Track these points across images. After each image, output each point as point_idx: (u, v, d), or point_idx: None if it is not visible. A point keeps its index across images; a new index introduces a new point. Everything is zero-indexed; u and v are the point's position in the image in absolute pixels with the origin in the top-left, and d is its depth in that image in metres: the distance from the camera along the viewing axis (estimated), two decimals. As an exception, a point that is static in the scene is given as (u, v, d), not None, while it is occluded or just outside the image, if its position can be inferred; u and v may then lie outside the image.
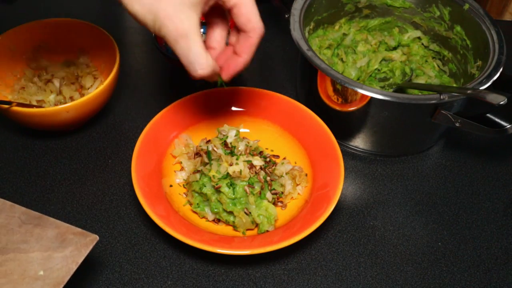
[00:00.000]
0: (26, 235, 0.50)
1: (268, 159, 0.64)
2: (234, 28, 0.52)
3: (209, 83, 0.57)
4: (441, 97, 0.60)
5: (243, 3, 0.47)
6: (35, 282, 0.46)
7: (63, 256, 0.48)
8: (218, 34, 0.53)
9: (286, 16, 0.71)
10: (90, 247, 0.49)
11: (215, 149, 0.62)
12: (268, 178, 0.61)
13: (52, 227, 0.50)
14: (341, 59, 0.79)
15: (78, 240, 0.50)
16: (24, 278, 0.46)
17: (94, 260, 0.58)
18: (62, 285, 0.46)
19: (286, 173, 0.63)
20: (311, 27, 0.76)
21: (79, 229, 0.50)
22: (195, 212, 0.61)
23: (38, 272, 0.47)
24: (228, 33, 0.54)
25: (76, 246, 0.49)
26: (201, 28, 0.48)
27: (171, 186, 0.63)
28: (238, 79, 0.55)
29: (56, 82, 0.72)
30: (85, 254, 0.49)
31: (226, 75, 0.52)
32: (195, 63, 0.47)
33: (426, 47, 0.80)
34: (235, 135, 0.63)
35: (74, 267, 0.48)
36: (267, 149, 0.68)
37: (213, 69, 0.48)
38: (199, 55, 0.46)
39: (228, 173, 0.59)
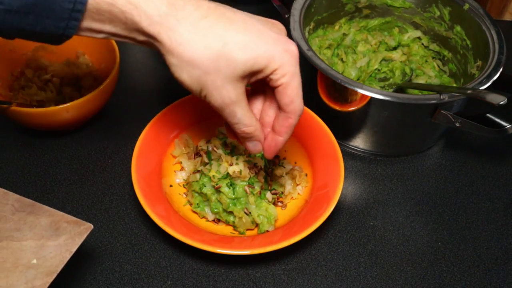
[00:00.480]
0: (19, 223, 0.49)
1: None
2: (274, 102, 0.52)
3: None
4: (441, 97, 0.60)
5: (290, 85, 0.47)
6: (28, 270, 0.46)
7: (56, 244, 0.48)
8: (259, 103, 0.53)
9: (286, 16, 0.71)
10: (84, 236, 0.49)
11: (215, 149, 0.61)
12: (268, 178, 0.61)
13: (46, 215, 0.50)
14: (341, 59, 0.79)
15: (72, 228, 0.49)
16: (17, 267, 0.46)
17: (94, 259, 0.58)
18: (56, 274, 0.46)
19: (286, 173, 0.63)
20: (311, 27, 0.76)
21: (73, 218, 0.50)
22: (195, 212, 0.61)
23: (31, 260, 0.47)
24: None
25: (70, 234, 0.49)
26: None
27: (171, 186, 0.63)
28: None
29: (56, 82, 0.72)
30: (79, 243, 0.48)
31: (269, 155, 0.53)
32: (240, 123, 0.49)
33: (426, 47, 0.80)
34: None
35: (68, 256, 0.47)
36: (267, 149, 0.68)
37: (257, 128, 0.50)
38: (244, 116, 0.48)
39: (228, 173, 0.59)
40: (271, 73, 0.46)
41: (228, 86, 0.45)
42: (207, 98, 0.47)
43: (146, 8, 0.42)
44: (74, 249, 0.48)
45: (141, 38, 0.45)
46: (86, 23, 0.43)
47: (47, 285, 0.45)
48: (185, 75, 0.45)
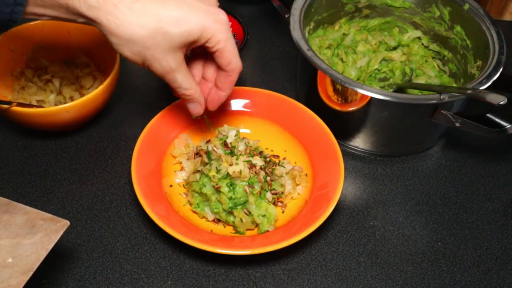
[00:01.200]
0: None
1: (268, 159, 0.64)
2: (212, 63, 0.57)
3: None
4: (441, 97, 0.60)
5: (225, 49, 0.52)
6: (3, 269, 0.45)
7: (32, 242, 0.47)
8: (200, 63, 0.58)
9: (286, 16, 0.71)
10: (61, 233, 0.48)
11: (215, 149, 0.62)
12: (268, 178, 0.61)
13: (21, 213, 0.50)
14: (341, 59, 0.79)
15: (48, 226, 0.49)
16: None
17: (94, 259, 0.58)
18: (32, 272, 0.45)
19: (286, 173, 0.63)
20: (311, 27, 0.76)
21: (49, 215, 0.50)
22: (195, 212, 0.61)
23: (6, 259, 0.46)
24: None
25: (46, 232, 0.48)
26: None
27: (171, 186, 0.63)
28: (238, 78, 0.56)
29: (56, 82, 0.72)
30: (55, 240, 0.48)
31: (212, 107, 0.59)
32: (181, 87, 0.54)
33: (426, 47, 0.80)
34: (235, 135, 0.63)
35: (44, 254, 0.47)
36: (267, 149, 0.68)
37: (196, 91, 0.56)
38: (184, 81, 0.54)
39: (228, 173, 0.59)
40: (206, 42, 0.51)
41: (167, 57, 0.50)
42: (149, 68, 0.52)
43: None
44: (50, 247, 0.47)
45: (82, 20, 0.49)
46: (30, 8, 0.47)
47: (23, 283, 0.45)
48: (127, 51, 0.50)
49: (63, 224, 0.49)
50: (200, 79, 0.58)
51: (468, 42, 0.73)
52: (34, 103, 0.70)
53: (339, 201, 0.64)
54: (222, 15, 0.51)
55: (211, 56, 0.55)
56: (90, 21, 0.49)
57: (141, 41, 0.48)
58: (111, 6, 0.47)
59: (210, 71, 0.57)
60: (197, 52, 0.58)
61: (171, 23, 0.48)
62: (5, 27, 0.48)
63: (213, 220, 0.61)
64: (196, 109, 0.58)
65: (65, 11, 0.48)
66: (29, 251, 0.47)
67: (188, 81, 0.54)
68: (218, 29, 0.50)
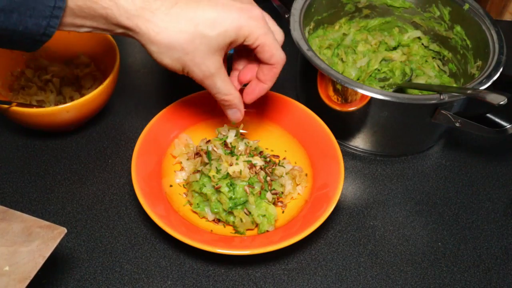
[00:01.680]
0: None
1: (268, 159, 0.64)
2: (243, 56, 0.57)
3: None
4: (441, 97, 0.60)
5: (265, 44, 0.51)
6: (0, 278, 0.45)
7: (29, 250, 0.47)
8: (242, 59, 0.58)
9: (286, 16, 0.71)
10: (58, 240, 0.48)
11: (215, 149, 0.61)
12: (268, 178, 0.61)
13: (18, 221, 0.49)
14: (341, 59, 0.79)
15: (45, 233, 0.48)
16: None
17: (94, 259, 0.58)
18: (29, 280, 0.45)
19: (286, 173, 0.63)
20: (311, 27, 0.76)
21: (46, 222, 0.49)
22: (195, 212, 0.61)
23: (3, 267, 0.46)
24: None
25: (43, 239, 0.48)
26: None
27: (171, 186, 0.63)
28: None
29: (56, 82, 0.72)
30: (53, 248, 0.47)
31: (250, 100, 0.57)
32: (220, 92, 0.54)
33: (426, 47, 0.80)
34: (235, 135, 0.63)
35: (41, 261, 0.46)
36: (267, 149, 0.68)
37: (235, 97, 0.55)
38: (223, 86, 0.53)
39: (228, 173, 0.59)
40: (244, 41, 0.51)
41: (207, 61, 0.50)
42: (189, 74, 0.51)
43: (124, 4, 0.46)
44: (47, 254, 0.47)
45: (119, 30, 0.48)
46: (69, 19, 0.46)
47: None
48: (167, 58, 0.49)
49: (60, 232, 0.49)
50: (253, 77, 0.57)
51: (468, 42, 0.73)
52: (34, 103, 0.70)
53: (339, 201, 0.64)
54: (257, 11, 0.51)
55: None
56: (128, 31, 0.48)
57: (180, 47, 0.48)
58: (149, 13, 0.46)
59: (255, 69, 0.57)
60: (241, 51, 0.57)
61: (208, 26, 0.48)
62: (38, 43, 0.45)
63: (213, 220, 0.61)
64: (235, 115, 0.57)
65: (104, 22, 0.47)
66: (26, 259, 0.46)
67: (227, 86, 0.53)
68: (254, 26, 0.50)
